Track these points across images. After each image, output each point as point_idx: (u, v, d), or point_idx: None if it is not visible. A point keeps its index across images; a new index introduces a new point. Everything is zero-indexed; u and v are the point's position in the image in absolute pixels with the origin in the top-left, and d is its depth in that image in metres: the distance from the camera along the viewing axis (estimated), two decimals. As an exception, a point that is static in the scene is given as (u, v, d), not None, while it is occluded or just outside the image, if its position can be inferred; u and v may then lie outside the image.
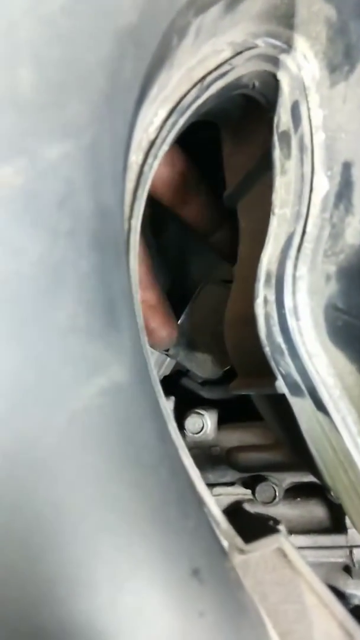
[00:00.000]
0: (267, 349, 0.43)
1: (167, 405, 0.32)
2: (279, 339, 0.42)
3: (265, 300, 0.44)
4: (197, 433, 0.68)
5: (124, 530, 0.21)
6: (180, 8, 0.31)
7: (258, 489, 0.66)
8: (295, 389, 0.43)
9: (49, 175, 0.22)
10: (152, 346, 0.70)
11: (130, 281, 0.35)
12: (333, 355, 0.40)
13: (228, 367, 0.74)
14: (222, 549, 0.29)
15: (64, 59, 0.23)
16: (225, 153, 0.60)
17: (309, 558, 0.66)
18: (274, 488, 0.66)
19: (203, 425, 0.69)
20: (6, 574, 0.19)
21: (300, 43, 0.42)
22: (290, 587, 0.33)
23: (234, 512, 0.42)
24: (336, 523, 0.67)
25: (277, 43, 0.42)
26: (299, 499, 0.70)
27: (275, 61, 0.43)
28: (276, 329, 0.42)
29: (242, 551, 0.34)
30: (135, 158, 0.39)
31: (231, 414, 0.74)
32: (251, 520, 0.42)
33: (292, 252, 0.42)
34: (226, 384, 0.65)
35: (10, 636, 0.19)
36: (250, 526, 0.36)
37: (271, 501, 0.66)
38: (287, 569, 0.34)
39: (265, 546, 0.34)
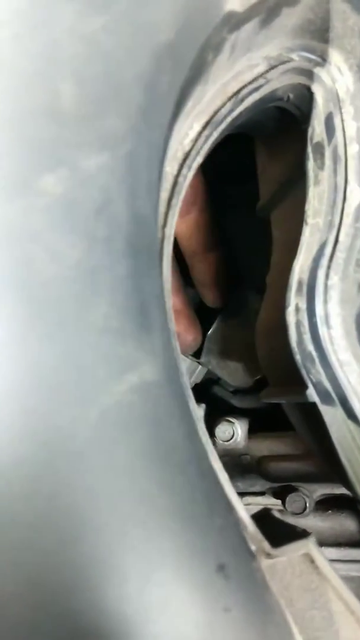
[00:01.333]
0: (298, 357, 0.44)
1: (197, 409, 0.33)
2: (310, 347, 0.42)
3: (297, 309, 0.44)
4: (227, 441, 0.69)
5: (152, 524, 0.22)
6: (215, 25, 0.32)
7: (288, 499, 0.65)
8: (326, 397, 0.43)
9: (87, 184, 0.24)
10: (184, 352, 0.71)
11: (163, 287, 0.36)
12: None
13: (259, 376, 0.74)
14: (248, 550, 0.29)
15: (103, 74, 0.24)
16: (260, 164, 0.61)
17: (340, 572, 0.65)
18: (304, 499, 0.65)
19: (234, 433, 0.69)
20: (43, 557, 0.20)
21: (335, 56, 0.43)
22: (317, 593, 0.33)
23: (262, 517, 0.43)
24: (368, 537, 0.66)
25: (312, 56, 0.43)
26: (330, 511, 0.69)
27: (309, 74, 0.44)
28: (307, 337, 0.43)
29: (269, 555, 0.34)
30: (170, 169, 0.40)
31: (262, 423, 0.74)
32: (279, 526, 0.42)
33: (324, 261, 0.42)
34: (257, 393, 0.65)
35: (43, 618, 0.20)
36: (278, 531, 0.37)
37: (301, 512, 0.65)
38: (314, 575, 0.34)
39: (293, 551, 0.34)
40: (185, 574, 0.22)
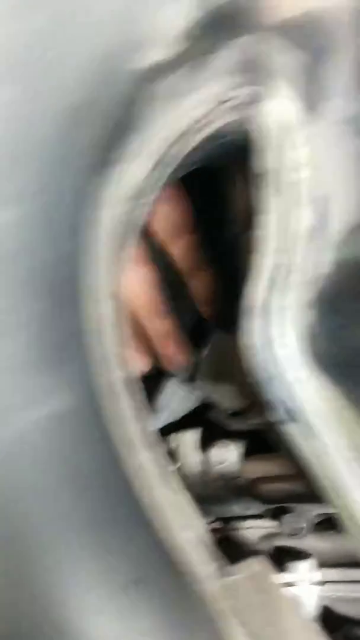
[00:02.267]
0: (258, 378, 0.45)
1: (148, 432, 0.34)
2: (269, 366, 0.44)
3: (257, 330, 0.46)
4: (221, 464, 0.69)
5: (70, 542, 0.24)
6: (139, 76, 0.35)
7: (284, 520, 0.65)
8: (287, 416, 0.44)
9: (6, 234, 0.26)
10: (170, 370, 0.74)
11: (82, 322, 0.38)
12: (319, 381, 0.41)
13: (254, 399, 0.75)
14: (172, 568, 0.30)
15: (15, 135, 0.27)
16: (232, 195, 0.63)
17: (341, 593, 0.64)
18: (300, 520, 0.65)
19: (228, 456, 0.70)
20: None
21: (277, 88, 0.45)
22: (271, 610, 0.34)
23: (223, 539, 0.43)
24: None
25: (255, 91, 0.45)
26: (330, 531, 0.68)
27: (255, 108, 0.46)
28: (266, 358, 0.44)
29: (226, 574, 0.35)
30: (121, 209, 0.43)
31: (259, 445, 0.74)
32: (236, 546, 0.42)
33: (279, 283, 0.44)
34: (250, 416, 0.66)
35: None
36: (235, 551, 0.37)
37: (298, 533, 0.65)
38: (267, 593, 0.35)
39: (247, 569, 0.35)
40: (100, 587, 0.24)
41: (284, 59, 0.43)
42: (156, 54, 0.34)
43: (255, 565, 0.35)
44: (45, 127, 0.28)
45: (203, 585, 0.30)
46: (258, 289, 0.45)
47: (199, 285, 0.71)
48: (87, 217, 0.33)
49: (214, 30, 0.37)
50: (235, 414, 0.80)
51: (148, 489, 0.30)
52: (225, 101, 0.44)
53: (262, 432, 0.75)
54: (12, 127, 0.27)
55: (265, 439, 0.73)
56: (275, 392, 0.44)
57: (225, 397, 0.77)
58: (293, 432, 0.43)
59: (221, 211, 0.65)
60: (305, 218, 0.45)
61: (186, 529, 0.34)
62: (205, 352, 0.78)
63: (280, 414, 0.45)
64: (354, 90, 0.38)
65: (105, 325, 0.32)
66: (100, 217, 0.36)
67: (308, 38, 0.39)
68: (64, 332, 0.26)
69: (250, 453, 0.72)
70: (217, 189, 0.64)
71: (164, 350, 0.69)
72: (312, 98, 0.43)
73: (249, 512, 0.70)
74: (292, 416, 0.44)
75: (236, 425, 0.79)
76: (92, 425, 0.26)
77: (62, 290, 0.28)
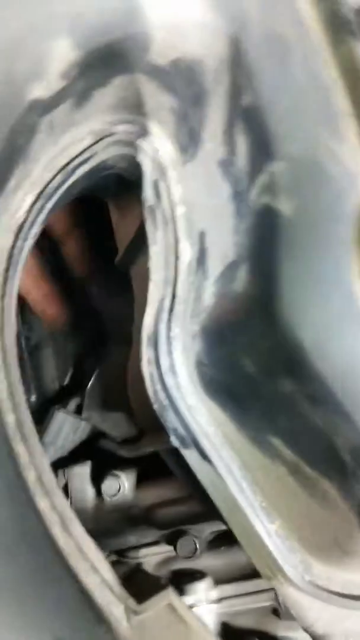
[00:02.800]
0: (155, 406, 0.46)
1: (46, 475, 0.33)
2: (162, 395, 0.45)
3: (149, 361, 0.46)
4: (114, 495, 0.68)
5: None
6: (20, 112, 0.34)
7: (179, 544, 0.66)
8: (183, 441, 0.45)
9: None
10: (53, 331, 0.76)
11: (6, 356, 0.36)
12: (209, 407, 0.43)
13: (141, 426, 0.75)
14: (94, 617, 0.30)
15: None
16: (114, 225, 0.64)
17: (237, 607, 0.66)
18: (194, 541, 0.66)
19: (119, 487, 0.69)
20: None
21: (153, 128, 0.47)
22: (182, 641, 0.34)
23: (132, 573, 0.43)
24: (259, 567, 0.68)
25: (133, 129, 0.47)
26: (222, 548, 0.71)
27: (133, 145, 0.47)
28: (159, 387, 0.45)
29: (136, 612, 0.34)
30: (4, 241, 0.41)
31: (156, 469, 0.75)
32: (147, 580, 0.42)
33: (165, 314, 0.45)
34: (141, 444, 0.66)
35: None
36: (145, 586, 0.37)
37: (192, 554, 0.66)
38: (178, 624, 0.35)
39: (156, 604, 0.35)
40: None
41: (155, 101, 0.44)
42: (38, 92, 0.34)
43: (163, 599, 0.35)
44: None
45: (116, 629, 0.30)
46: (149, 319, 0.45)
47: (72, 245, 0.72)
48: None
49: (93, 70, 0.38)
50: (126, 442, 0.80)
51: (50, 537, 0.29)
52: (105, 136, 0.45)
53: (152, 457, 0.75)
54: None
55: (156, 464, 0.74)
56: (169, 419, 0.45)
57: (114, 427, 0.76)
58: (188, 457, 0.45)
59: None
60: (185, 252, 0.47)
61: (90, 573, 0.33)
62: (91, 381, 0.77)
63: (174, 440, 0.46)
64: (222, 136, 0.41)
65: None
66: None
67: (180, 84, 0.42)
68: None
69: (141, 479, 0.72)
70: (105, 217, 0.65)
71: (46, 310, 0.71)
72: (184, 140, 0.45)
73: (145, 541, 0.70)
74: (185, 443, 0.45)
75: (127, 453, 0.79)
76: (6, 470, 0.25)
77: None
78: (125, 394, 0.74)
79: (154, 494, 0.70)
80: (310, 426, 0.36)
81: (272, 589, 0.68)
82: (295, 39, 0.33)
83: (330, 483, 0.38)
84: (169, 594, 0.35)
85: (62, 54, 0.34)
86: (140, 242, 0.58)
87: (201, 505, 0.68)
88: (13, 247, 0.41)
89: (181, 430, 0.45)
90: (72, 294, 0.82)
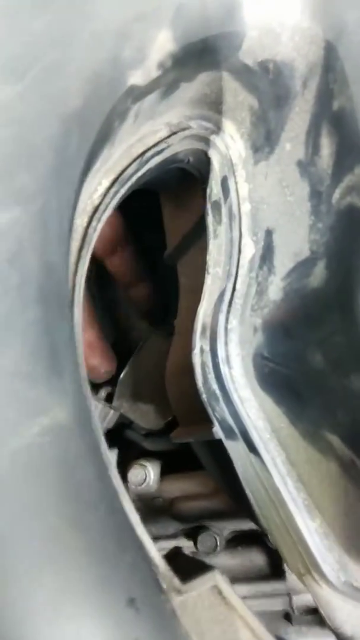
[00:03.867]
0: (204, 396, 0.46)
1: (109, 452, 0.34)
2: (214, 386, 0.45)
3: (202, 350, 0.47)
4: (140, 485, 0.69)
5: (63, 560, 0.23)
6: (120, 96, 0.35)
7: (200, 539, 0.67)
8: (230, 433, 0.46)
9: (1, 236, 0.25)
10: (92, 381, 0.73)
11: (73, 332, 0.37)
12: (262, 400, 0.44)
13: (170, 418, 0.76)
14: (158, 585, 0.30)
15: (16, 137, 0.26)
16: (165, 218, 0.65)
17: (251, 608, 0.66)
18: (215, 537, 0.67)
19: (146, 476, 0.70)
20: None
21: (228, 126, 0.48)
22: (226, 624, 0.35)
23: (173, 555, 0.43)
24: (275, 569, 0.69)
25: (208, 125, 0.48)
26: (239, 547, 0.71)
27: (206, 141, 0.49)
28: (211, 377, 0.46)
29: (179, 592, 0.35)
30: (80, 221, 0.42)
31: (175, 464, 0.76)
32: (188, 562, 0.43)
33: (224, 306, 0.46)
34: (168, 435, 0.67)
35: None
36: (188, 567, 0.38)
37: (212, 551, 0.66)
38: (222, 606, 0.36)
39: (201, 585, 0.36)
40: (96, 607, 0.23)
41: (235, 100, 0.46)
42: (136, 78, 0.35)
43: (209, 581, 0.36)
44: (42, 132, 0.27)
45: (170, 602, 0.30)
46: (205, 311, 0.47)
47: (139, 295, 0.74)
48: (70, 228, 0.32)
49: (184, 64, 0.39)
50: (152, 434, 0.81)
51: (121, 504, 0.30)
52: (182, 129, 0.47)
53: (176, 452, 0.76)
54: (11, 129, 0.26)
55: (182, 458, 0.75)
56: (217, 409, 0.46)
57: (142, 417, 0.77)
58: (235, 449, 0.45)
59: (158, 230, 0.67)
60: (248, 248, 0.48)
61: (151, 545, 0.34)
62: (123, 372, 0.78)
63: (218, 431, 0.47)
64: (304, 137, 0.42)
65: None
66: (75, 228, 0.36)
67: (264, 85, 0.43)
68: (57, 342, 0.26)
69: (166, 472, 0.73)
70: (153, 209, 0.66)
71: (88, 359, 0.69)
72: (259, 140, 0.46)
73: (165, 533, 0.70)
74: (232, 434, 0.46)
75: (153, 445, 0.80)
76: (83, 440, 0.26)
77: (52, 298, 0.27)
78: (158, 384, 0.75)
79: (178, 487, 0.71)
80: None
81: (287, 594, 0.68)
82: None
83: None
84: (215, 576, 0.36)
85: (162, 45, 0.36)
86: (194, 237, 0.59)
87: (224, 502, 0.68)
88: (87, 227, 0.42)
89: (229, 421, 0.46)
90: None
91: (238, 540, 0.71)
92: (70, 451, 0.25)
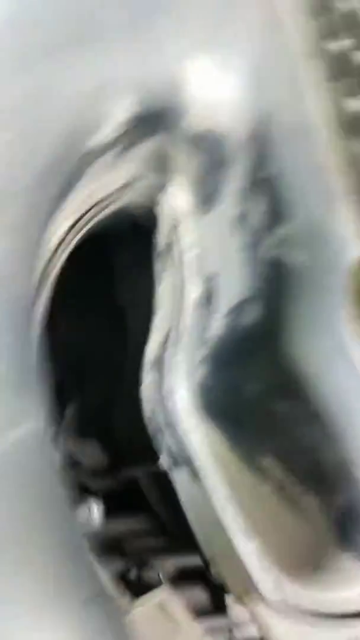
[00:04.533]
0: (151, 427, 0.50)
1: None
2: (161, 416, 0.49)
3: (150, 384, 0.51)
4: (84, 522, 0.69)
5: (38, 561, 0.25)
6: (85, 151, 0.40)
7: (142, 575, 0.67)
8: (175, 461, 0.49)
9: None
10: None
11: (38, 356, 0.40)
12: (206, 428, 0.47)
13: (116, 455, 0.77)
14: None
15: (6, 175, 0.30)
16: (116, 262, 0.70)
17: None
18: (158, 574, 0.68)
19: (90, 514, 0.70)
20: None
21: (175, 183, 0.54)
22: (170, 638, 0.37)
23: (121, 574, 0.45)
24: (217, 605, 0.70)
25: (157, 181, 0.54)
26: (183, 584, 0.72)
27: (156, 194, 0.54)
28: (159, 408, 0.49)
29: (127, 609, 0.37)
30: (41, 260, 0.46)
31: (119, 503, 0.76)
32: (136, 582, 0.45)
33: (171, 342, 0.50)
34: (113, 473, 0.69)
35: None
36: (136, 586, 0.40)
37: (155, 587, 0.67)
38: (168, 622, 0.38)
39: (147, 602, 0.38)
40: (58, 604, 0.25)
41: (186, 160, 0.52)
42: (99, 137, 0.40)
43: (157, 597, 0.38)
44: (28, 174, 0.32)
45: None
46: (153, 346, 0.51)
47: None
48: (34, 263, 0.36)
49: (139, 127, 0.45)
50: (96, 472, 0.81)
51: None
52: (130, 184, 0.52)
53: (124, 489, 0.77)
54: (4, 168, 0.30)
55: (127, 496, 0.75)
56: (164, 439, 0.49)
57: (88, 454, 0.78)
58: (180, 477, 0.48)
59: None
60: (191, 291, 0.53)
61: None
62: (69, 409, 0.79)
63: (165, 460, 0.50)
64: (239, 197, 0.48)
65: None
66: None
67: (205, 150, 0.49)
68: (30, 360, 0.29)
69: (111, 511, 0.73)
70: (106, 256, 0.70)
71: None
72: (204, 195, 0.52)
73: (109, 570, 0.70)
74: (177, 462, 0.49)
75: (99, 484, 0.80)
76: (50, 451, 0.28)
77: (20, 324, 0.30)
78: (104, 422, 0.77)
79: (122, 525, 0.71)
80: (300, 444, 0.41)
81: (228, 629, 0.69)
82: (313, 130, 0.42)
83: (314, 497, 0.43)
84: (162, 592, 0.38)
85: (120, 112, 0.41)
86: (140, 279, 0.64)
87: (168, 540, 0.70)
88: (47, 265, 0.46)
89: (175, 450, 0.49)
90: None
91: (181, 577, 0.72)
92: (43, 460, 0.27)
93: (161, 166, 0.53)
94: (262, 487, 0.45)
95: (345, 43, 0.48)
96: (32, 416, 0.28)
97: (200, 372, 0.48)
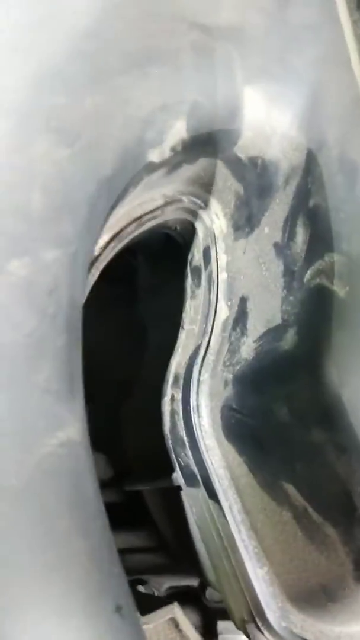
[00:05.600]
0: (169, 442, 0.50)
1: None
2: (182, 432, 0.49)
3: (172, 399, 0.51)
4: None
5: (70, 564, 0.25)
6: (140, 169, 0.41)
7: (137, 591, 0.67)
8: (191, 479, 0.49)
9: (44, 271, 0.29)
10: None
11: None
12: (225, 449, 0.48)
13: (122, 469, 0.78)
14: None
15: (63, 191, 0.31)
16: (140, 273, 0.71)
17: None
18: (153, 592, 0.67)
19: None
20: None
21: (214, 204, 0.55)
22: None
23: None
24: (208, 628, 0.69)
25: (198, 201, 0.55)
26: (175, 603, 0.71)
27: (194, 214, 0.55)
28: (180, 424, 0.50)
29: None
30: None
31: (120, 517, 0.76)
32: (146, 596, 0.45)
33: (198, 360, 0.51)
34: (115, 486, 0.69)
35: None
36: (146, 600, 0.40)
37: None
38: (178, 638, 0.38)
39: (159, 618, 0.38)
40: (88, 614, 0.25)
41: (224, 184, 0.53)
42: (153, 156, 0.41)
43: (167, 613, 0.38)
44: (82, 191, 0.32)
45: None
46: (179, 362, 0.51)
47: None
48: (88, 270, 0.36)
49: (190, 149, 0.46)
50: (101, 485, 0.81)
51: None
52: (175, 201, 0.53)
53: (123, 504, 0.77)
54: (60, 184, 0.31)
55: (128, 510, 0.75)
56: (182, 456, 0.50)
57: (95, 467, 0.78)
58: (193, 495, 0.49)
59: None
60: (223, 311, 0.54)
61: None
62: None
63: (179, 478, 0.50)
64: (282, 224, 0.49)
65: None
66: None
67: (251, 176, 0.51)
68: (74, 367, 0.29)
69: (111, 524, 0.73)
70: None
71: None
72: (240, 220, 0.53)
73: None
74: (193, 481, 0.50)
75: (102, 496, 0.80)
76: (88, 456, 0.29)
77: (73, 329, 0.31)
78: (112, 435, 0.77)
79: (121, 540, 0.71)
80: (329, 473, 0.41)
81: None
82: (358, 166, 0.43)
83: (335, 528, 0.43)
84: (174, 609, 0.38)
85: (177, 132, 0.42)
86: (163, 291, 0.65)
87: (166, 557, 0.69)
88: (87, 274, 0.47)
89: (192, 468, 0.49)
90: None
91: (174, 597, 0.72)
92: (80, 465, 0.28)
93: (205, 187, 0.54)
94: (280, 513, 0.45)
95: None
96: (78, 419, 0.28)
97: (226, 394, 0.49)
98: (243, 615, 0.48)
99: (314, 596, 0.44)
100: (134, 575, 0.70)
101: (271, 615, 0.46)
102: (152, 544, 0.70)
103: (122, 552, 0.71)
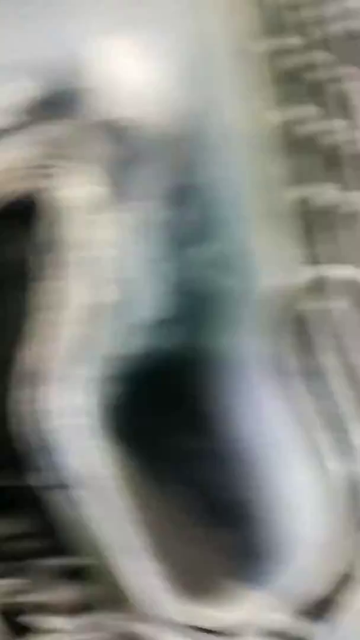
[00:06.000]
0: (30, 444, 0.46)
1: None
2: (55, 434, 0.45)
3: (33, 398, 0.46)
4: None
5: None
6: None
7: (24, 576, 0.64)
8: (61, 483, 0.46)
9: None
10: None
11: None
12: (106, 449, 0.45)
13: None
14: None
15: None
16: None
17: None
18: (37, 574, 0.65)
19: None
20: None
21: (86, 171, 0.48)
22: None
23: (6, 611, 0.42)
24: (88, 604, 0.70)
25: (56, 169, 0.47)
26: (61, 583, 0.70)
27: (51, 182, 0.48)
28: (56, 425, 0.45)
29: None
30: None
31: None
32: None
33: (79, 353, 0.46)
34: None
35: None
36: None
37: (37, 587, 0.65)
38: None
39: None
40: None
41: (97, 148, 0.46)
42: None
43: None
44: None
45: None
46: (55, 356, 0.45)
47: None
48: None
49: (48, 109, 0.39)
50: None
51: None
52: (14, 169, 0.45)
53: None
54: None
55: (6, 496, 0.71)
56: (57, 458, 0.46)
57: None
58: (64, 495, 0.46)
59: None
60: (108, 295, 0.47)
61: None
62: None
63: (54, 479, 0.47)
64: (167, 200, 0.44)
65: None
66: None
67: (125, 139, 0.44)
68: None
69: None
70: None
71: None
72: (117, 190, 0.47)
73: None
74: (67, 483, 0.46)
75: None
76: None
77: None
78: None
79: (2, 527, 0.67)
80: (203, 479, 0.40)
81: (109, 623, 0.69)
82: (240, 141, 0.39)
83: (212, 530, 0.42)
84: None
85: (26, 92, 0.35)
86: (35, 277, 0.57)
87: (47, 540, 0.67)
88: None
89: (68, 471, 0.46)
90: None
91: (60, 576, 0.70)
92: None
93: (59, 153, 0.47)
94: (167, 513, 0.43)
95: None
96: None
97: (105, 391, 0.44)
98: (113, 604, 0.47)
99: (196, 587, 0.44)
100: (18, 560, 0.68)
101: (165, 610, 0.45)
102: (33, 530, 0.67)
103: (3, 539, 0.67)
